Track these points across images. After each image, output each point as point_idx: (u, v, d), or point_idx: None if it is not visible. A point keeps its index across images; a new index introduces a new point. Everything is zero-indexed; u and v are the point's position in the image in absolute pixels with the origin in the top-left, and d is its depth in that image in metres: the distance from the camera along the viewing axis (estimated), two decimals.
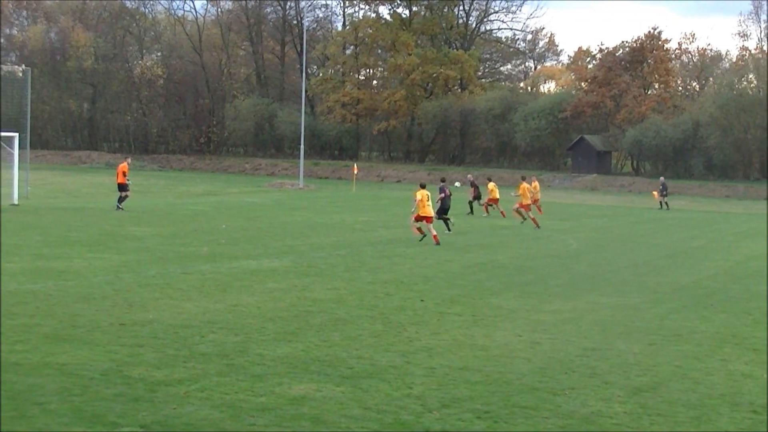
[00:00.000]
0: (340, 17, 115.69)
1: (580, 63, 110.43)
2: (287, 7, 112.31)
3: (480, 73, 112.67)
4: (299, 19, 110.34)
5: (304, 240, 30.62)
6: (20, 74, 60.05)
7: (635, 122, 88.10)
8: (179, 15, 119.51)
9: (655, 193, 59.57)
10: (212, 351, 13.53)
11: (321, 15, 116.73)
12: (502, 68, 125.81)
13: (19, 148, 44.48)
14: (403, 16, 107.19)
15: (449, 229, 34.69)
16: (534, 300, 19.45)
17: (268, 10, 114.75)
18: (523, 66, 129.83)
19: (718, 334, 16.38)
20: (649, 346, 15.10)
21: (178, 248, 26.91)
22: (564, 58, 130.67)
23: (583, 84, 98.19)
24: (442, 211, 35.00)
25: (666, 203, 57.69)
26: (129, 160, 44.69)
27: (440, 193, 35.65)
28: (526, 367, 13.31)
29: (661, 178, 62.33)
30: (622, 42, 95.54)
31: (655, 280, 23.62)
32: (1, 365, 11.16)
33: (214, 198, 51.59)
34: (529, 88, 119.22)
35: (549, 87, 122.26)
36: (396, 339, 14.93)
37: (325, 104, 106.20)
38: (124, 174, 41.08)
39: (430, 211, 31.36)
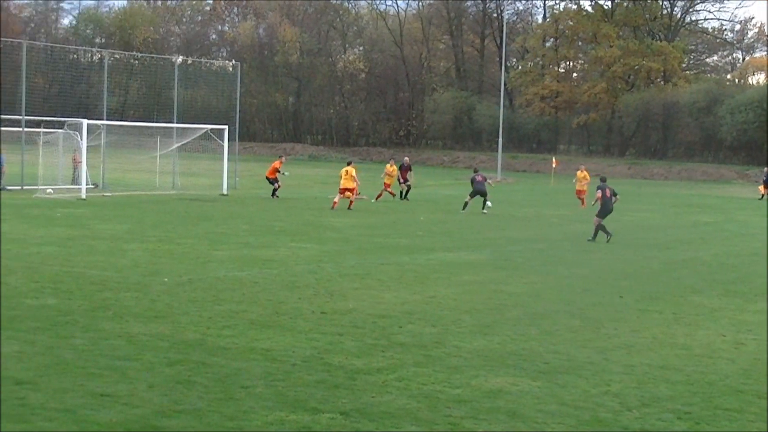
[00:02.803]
0: (541, 9, 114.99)
1: None
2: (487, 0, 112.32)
3: (684, 65, 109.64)
4: (499, 11, 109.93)
5: (501, 233, 30.59)
6: (231, 69, 62.31)
7: None
8: (381, 10, 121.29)
9: (761, 187, 57.37)
10: (410, 341, 13.71)
11: (521, 7, 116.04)
12: (707, 60, 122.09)
13: (229, 140, 46.19)
14: (605, 7, 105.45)
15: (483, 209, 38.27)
16: (738, 299, 18.86)
17: (469, 3, 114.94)
18: (730, 57, 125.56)
19: None
20: None
21: (377, 239, 27.35)
22: None
23: None
24: (476, 194, 38.36)
25: None
26: (284, 158, 45.96)
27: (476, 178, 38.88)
28: (729, 368, 12.95)
29: (766, 169, 60.09)
30: None
31: None
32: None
33: (412, 190, 52.08)
34: (736, 80, 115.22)
35: (758, 79, 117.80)
36: (594, 335, 14.77)
37: (523, 97, 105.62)
38: (276, 170, 42.53)
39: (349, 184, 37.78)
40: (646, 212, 43.20)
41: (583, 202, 43.73)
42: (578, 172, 45.61)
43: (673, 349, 14.02)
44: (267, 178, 42.93)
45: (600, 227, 28.82)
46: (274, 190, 42.43)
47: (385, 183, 43.96)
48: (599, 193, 29.24)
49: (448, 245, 26.61)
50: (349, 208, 37.28)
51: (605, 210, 29.07)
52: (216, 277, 18.92)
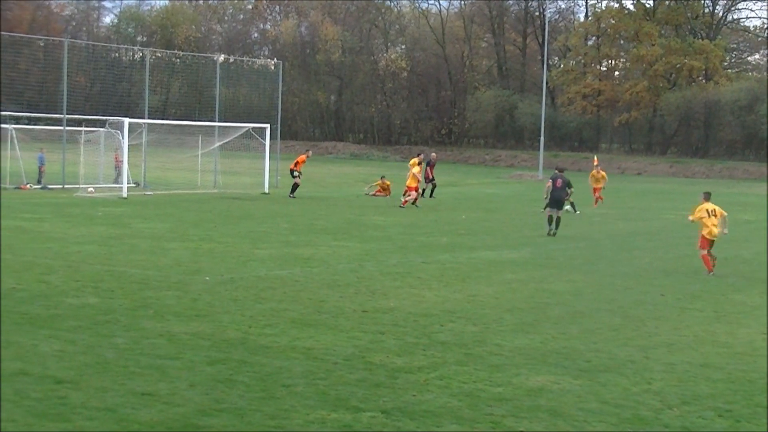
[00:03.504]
0: (583, 8, 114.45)
1: None
2: None
3: (726, 64, 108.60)
4: (541, 10, 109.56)
5: (542, 231, 30.45)
6: (272, 68, 62.57)
7: None
8: (423, 8, 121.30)
9: None
10: (451, 340, 13.70)
11: (563, 6, 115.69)
12: (749, 58, 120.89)
13: (270, 139, 46.34)
14: (647, 5, 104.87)
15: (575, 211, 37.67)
16: None
17: (511, 2, 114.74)
18: None
19: None
20: None
21: (419, 238, 27.35)
22: None
23: None
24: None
25: None
26: (310, 153, 45.57)
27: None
28: None
29: None
30: None
31: None
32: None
33: (453, 189, 52.06)
34: None
35: None
36: (635, 333, 14.70)
37: (565, 95, 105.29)
38: (296, 164, 41.92)
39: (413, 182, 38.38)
40: (688, 211, 42.74)
41: (595, 201, 43.15)
42: (593, 171, 44.95)
43: (714, 347, 13.93)
44: (290, 171, 42.41)
45: (548, 218, 29.09)
46: (294, 187, 41.42)
47: (409, 186, 39.37)
48: (549, 183, 29.26)
49: (490, 244, 26.56)
50: (401, 206, 37.82)
51: (553, 199, 29.04)
52: (257, 275, 18.99)
